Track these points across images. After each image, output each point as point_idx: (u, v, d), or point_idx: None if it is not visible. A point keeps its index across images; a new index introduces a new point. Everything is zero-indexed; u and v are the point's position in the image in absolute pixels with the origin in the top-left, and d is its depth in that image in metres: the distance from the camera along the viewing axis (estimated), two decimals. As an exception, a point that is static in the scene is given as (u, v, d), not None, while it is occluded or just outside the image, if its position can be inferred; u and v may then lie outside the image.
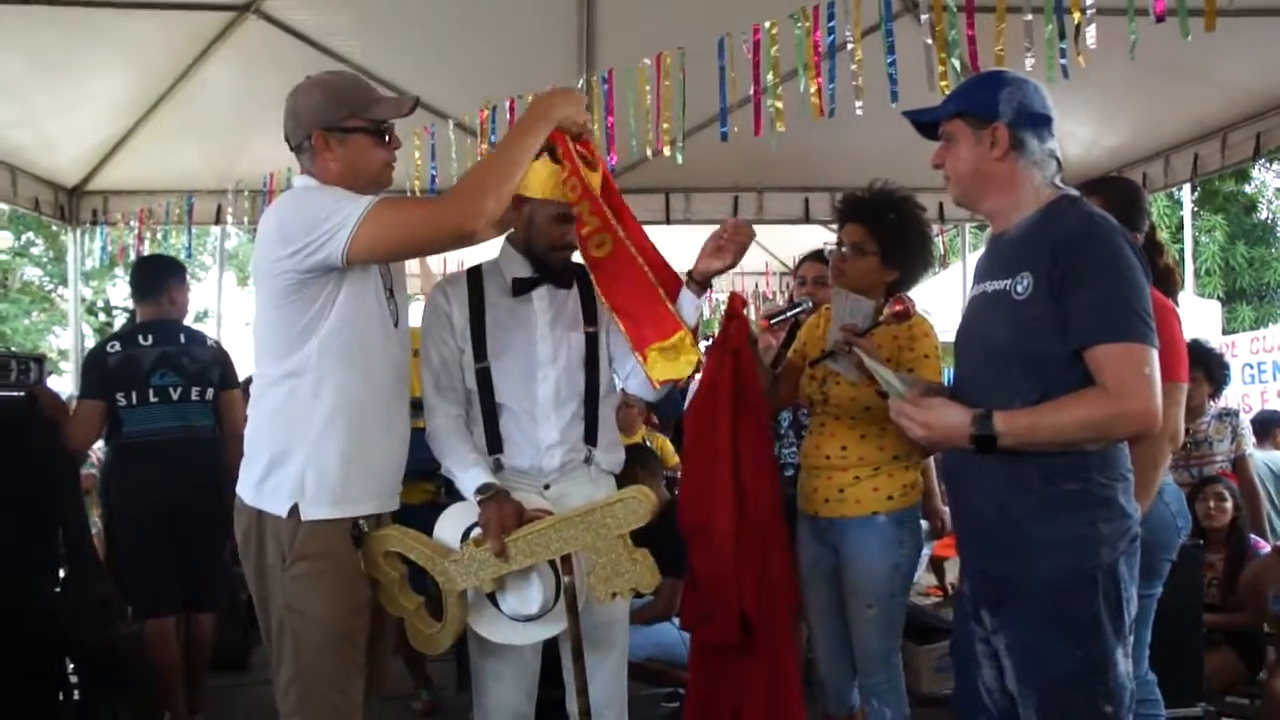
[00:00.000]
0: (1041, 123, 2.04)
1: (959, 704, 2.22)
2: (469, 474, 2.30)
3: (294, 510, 2.13)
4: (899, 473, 2.81)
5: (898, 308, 2.59)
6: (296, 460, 2.14)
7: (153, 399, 3.67)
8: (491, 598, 2.28)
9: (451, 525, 2.34)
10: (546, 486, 2.40)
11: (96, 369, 3.71)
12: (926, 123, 2.18)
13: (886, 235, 2.77)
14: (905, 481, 2.82)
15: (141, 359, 3.70)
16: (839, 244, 2.83)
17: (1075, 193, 2.08)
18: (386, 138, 2.25)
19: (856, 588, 2.76)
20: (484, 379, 2.38)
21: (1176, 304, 2.90)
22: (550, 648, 2.48)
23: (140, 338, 3.76)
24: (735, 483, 2.63)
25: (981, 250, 2.28)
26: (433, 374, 2.42)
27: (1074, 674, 1.93)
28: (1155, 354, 1.88)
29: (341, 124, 2.19)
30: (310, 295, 2.12)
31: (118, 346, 3.74)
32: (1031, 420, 1.90)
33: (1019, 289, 1.97)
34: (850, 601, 2.79)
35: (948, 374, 4.50)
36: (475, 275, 2.49)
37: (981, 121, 2.04)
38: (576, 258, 2.44)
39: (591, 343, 2.46)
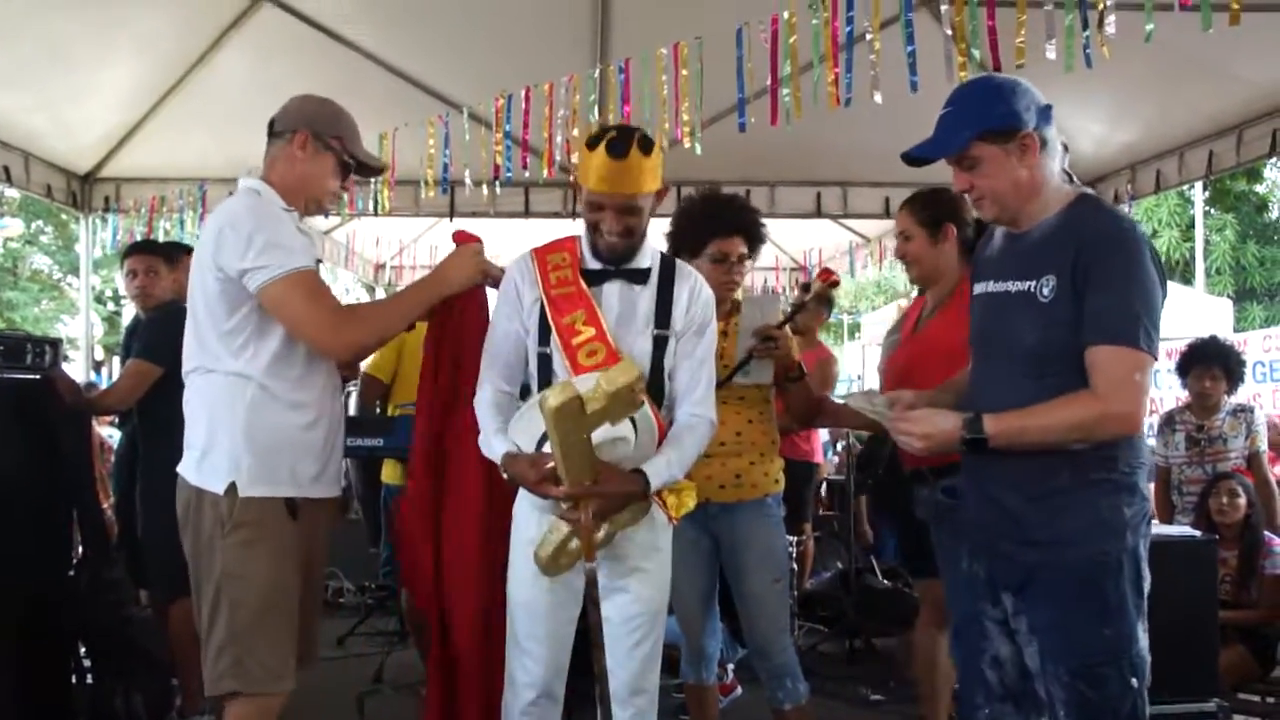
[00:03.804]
0: (1050, 113, 2.06)
1: (963, 678, 2.29)
2: (493, 447, 2.28)
3: (231, 487, 2.28)
4: (776, 457, 3.03)
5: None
6: (231, 444, 2.29)
7: None
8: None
9: (524, 434, 2.24)
10: None
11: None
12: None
13: (752, 235, 3.01)
14: (781, 465, 3.05)
15: None
16: (722, 259, 2.93)
17: (1090, 190, 2.09)
18: (346, 176, 2.50)
19: (763, 563, 2.93)
20: (544, 364, 2.33)
21: None
22: (578, 638, 2.45)
23: None
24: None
25: (996, 244, 2.23)
26: (491, 347, 2.40)
27: (1105, 651, 1.99)
28: (1150, 362, 1.93)
29: (326, 138, 2.43)
30: (240, 297, 2.28)
31: None
32: (1021, 422, 1.96)
33: (1045, 292, 2.00)
34: (753, 578, 2.93)
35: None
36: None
37: (1006, 135, 2.02)
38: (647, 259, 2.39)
39: (659, 346, 2.35)
